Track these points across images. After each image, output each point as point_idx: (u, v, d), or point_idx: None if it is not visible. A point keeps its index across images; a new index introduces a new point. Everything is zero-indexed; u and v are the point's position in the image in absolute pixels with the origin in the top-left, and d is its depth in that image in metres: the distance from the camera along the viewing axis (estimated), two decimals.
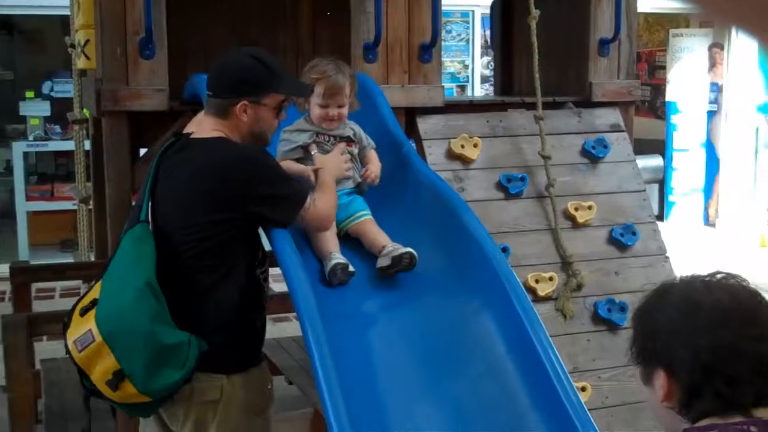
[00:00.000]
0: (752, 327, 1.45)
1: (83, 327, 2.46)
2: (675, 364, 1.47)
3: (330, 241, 2.82)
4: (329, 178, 2.82)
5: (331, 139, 2.99)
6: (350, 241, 2.91)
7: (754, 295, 1.50)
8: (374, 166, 3.04)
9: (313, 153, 2.93)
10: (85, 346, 2.44)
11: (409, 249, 2.75)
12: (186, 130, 2.72)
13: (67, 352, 2.51)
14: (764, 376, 1.45)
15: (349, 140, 3.02)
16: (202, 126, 2.68)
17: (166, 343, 2.42)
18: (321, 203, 2.69)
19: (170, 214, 2.57)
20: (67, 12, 5.34)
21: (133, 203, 2.89)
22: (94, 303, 2.48)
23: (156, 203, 2.60)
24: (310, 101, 2.97)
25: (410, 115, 3.72)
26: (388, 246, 2.79)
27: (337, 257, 2.76)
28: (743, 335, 1.44)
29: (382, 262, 2.76)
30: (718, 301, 1.47)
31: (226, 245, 2.54)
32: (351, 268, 2.75)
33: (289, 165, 2.86)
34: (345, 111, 2.99)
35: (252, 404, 2.62)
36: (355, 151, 3.04)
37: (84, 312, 2.49)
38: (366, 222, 2.93)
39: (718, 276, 1.52)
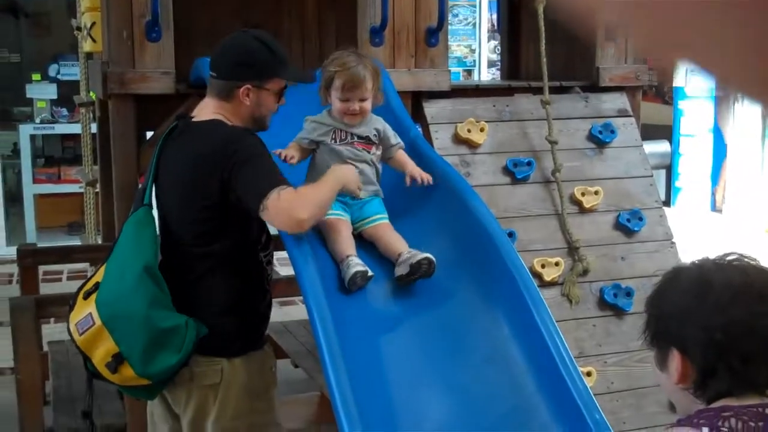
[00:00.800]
0: (764, 304, 1.46)
1: (84, 310, 2.51)
2: (689, 344, 1.48)
3: (346, 241, 2.71)
4: (331, 180, 2.59)
5: (350, 136, 2.84)
6: (364, 241, 2.83)
7: (765, 273, 1.51)
8: (412, 167, 2.87)
9: (346, 159, 2.79)
10: (85, 329, 2.48)
11: (426, 254, 2.63)
12: (193, 113, 2.72)
13: (70, 334, 2.55)
14: None
15: (368, 141, 2.86)
16: (204, 109, 2.66)
17: (163, 327, 2.45)
18: (289, 197, 2.39)
19: (171, 199, 2.60)
20: None
21: (140, 186, 2.89)
22: (96, 286, 2.53)
23: (159, 187, 2.62)
24: (331, 94, 2.84)
25: (417, 99, 3.71)
26: (404, 253, 2.68)
27: (356, 264, 2.63)
28: (755, 312, 1.45)
29: (400, 270, 2.66)
30: (729, 279, 1.48)
31: (223, 230, 2.53)
32: (370, 273, 2.64)
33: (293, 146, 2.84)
34: (368, 105, 2.84)
35: (253, 387, 2.62)
36: (378, 153, 2.88)
37: (87, 296, 2.54)
38: (382, 226, 2.81)
39: (729, 257, 1.53)
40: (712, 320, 1.45)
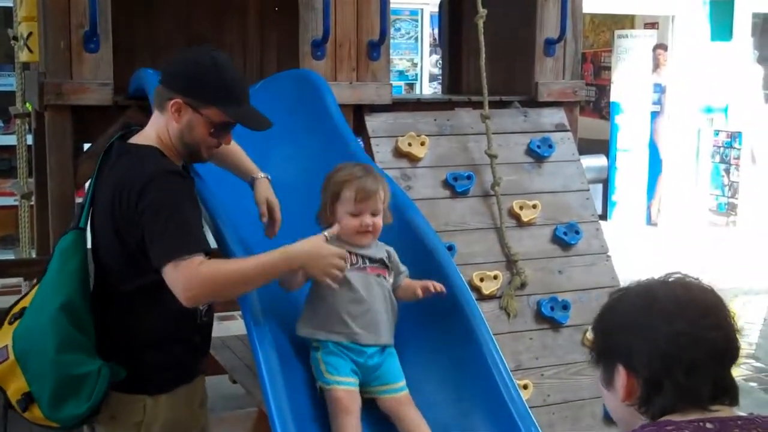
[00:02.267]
0: (707, 317, 1.49)
1: (3, 340, 2.41)
2: (634, 357, 1.50)
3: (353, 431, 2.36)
4: (283, 258, 2.28)
5: (360, 260, 2.48)
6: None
7: (709, 290, 1.55)
8: (422, 285, 2.54)
9: (356, 291, 2.43)
10: (0, 361, 2.40)
11: None
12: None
13: None
14: (720, 365, 1.49)
15: (382, 265, 2.52)
16: (149, 125, 2.49)
17: (73, 373, 2.32)
18: (186, 271, 2.21)
19: (99, 226, 2.44)
20: (9, 3, 5.24)
21: (77, 200, 2.79)
22: (22, 312, 2.43)
23: (94, 209, 2.46)
24: (336, 211, 2.49)
25: (358, 113, 3.73)
26: None
27: None
28: (699, 325, 1.47)
29: None
30: (674, 294, 1.51)
31: (147, 265, 2.31)
32: None
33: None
34: (380, 221, 2.50)
35: (179, 423, 2.49)
36: (390, 281, 2.53)
37: (12, 320, 2.44)
38: (403, 399, 2.45)
39: (674, 275, 1.57)
40: (658, 331, 1.48)
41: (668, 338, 1.47)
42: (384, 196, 2.52)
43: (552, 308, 3.50)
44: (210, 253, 2.44)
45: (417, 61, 10.17)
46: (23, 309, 2.44)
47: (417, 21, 10.07)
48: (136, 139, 2.48)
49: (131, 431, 2.44)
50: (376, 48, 3.78)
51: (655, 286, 1.55)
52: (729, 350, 1.50)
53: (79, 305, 2.38)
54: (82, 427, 2.55)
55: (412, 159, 3.63)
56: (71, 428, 2.46)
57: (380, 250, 2.53)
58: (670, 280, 1.56)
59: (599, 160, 9.34)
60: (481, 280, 3.46)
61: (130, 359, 2.41)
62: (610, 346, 1.56)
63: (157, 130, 2.44)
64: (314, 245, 2.32)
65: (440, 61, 6.51)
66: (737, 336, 1.51)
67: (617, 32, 10.19)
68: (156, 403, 2.44)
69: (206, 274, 2.23)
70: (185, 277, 2.22)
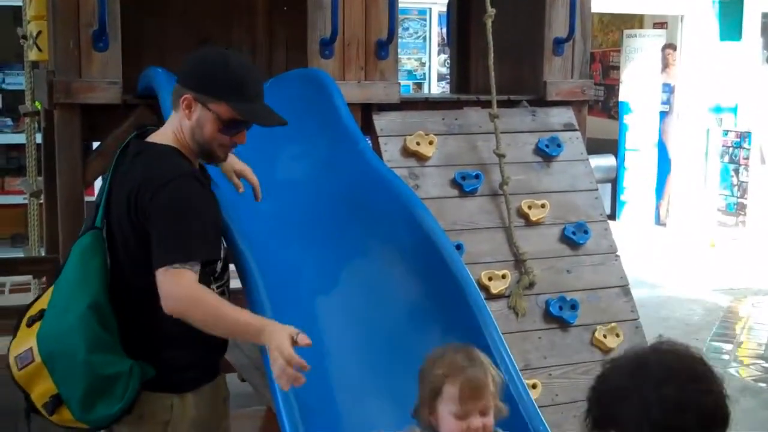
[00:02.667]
0: (696, 382, 1.52)
1: (25, 343, 2.39)
2: (626, 423, 1.53)
3: None
4: (256, 329, 2.23)
5: None
6: None
7: (697, 357, 1.58)
8: None
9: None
10: (24, 364, 2.37)
11: None
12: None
13: (8, 368, 2.42)
14: (709, 429, 1.51)
15: None
16: (167, 123, 2.49)
17: (105, 374, 2.31)
18: (196, 294, 2.25)
19: (115, 225, 2.43)
20: (19, 2, 5.26)
21: (87, 198, 2.78)
22: (41, 314, 2.41)
23: (109, 208, 2.45)
24: (437, 409, 2.07)
25: (366, 112, 3.72)
26: None
27: None
28: (689, 389, 1.50)
29: None
30: (664, 360, 1.55)
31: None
32: None
33: None
34: (491, 421, 2.08)
35: (204, 421, 2.49)
36: None
37: (31, 323, 2.42)
38: None
39: (664, 342, 1.60)
40: (647, 398, 1.50)
41: (658, 404, 1.49)
42: (495, 388, 2.09)
43: (560, 308, 3.49)
44: (223, 259, 2.48)
45: (425, 60, 10.16)
46: (42, 311, 2.41)
47: (425, 20, 10.07)
48: (154, 137, 2.48)
49: (159, 430, 2.44)
50: (385, 47, 3.78)
51: (644, 352, 1.59)
52: (718, 415, 1.52)
53: (104, 305, 2.37)
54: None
55: (421, 158, 3.63)
56: (101, 429, 2.44)
57: None
58: (659, 346, 1.59)
59: (608, 160, 9.36)
60: (490, 279, 3.46)
61: (153, 358, 2.40)
62: (603, 413, 1.59)
63: (173, 128, 2.45)
64: (280, 339, 2.17)
65: (448, 61, 6.51)
66: (727, 402, 1.54)
67: (626, 32, 10.17)
68: (183, 402, 2.44)
69: (188, 294, 2.25)
70: (169, 285, 2.25)
